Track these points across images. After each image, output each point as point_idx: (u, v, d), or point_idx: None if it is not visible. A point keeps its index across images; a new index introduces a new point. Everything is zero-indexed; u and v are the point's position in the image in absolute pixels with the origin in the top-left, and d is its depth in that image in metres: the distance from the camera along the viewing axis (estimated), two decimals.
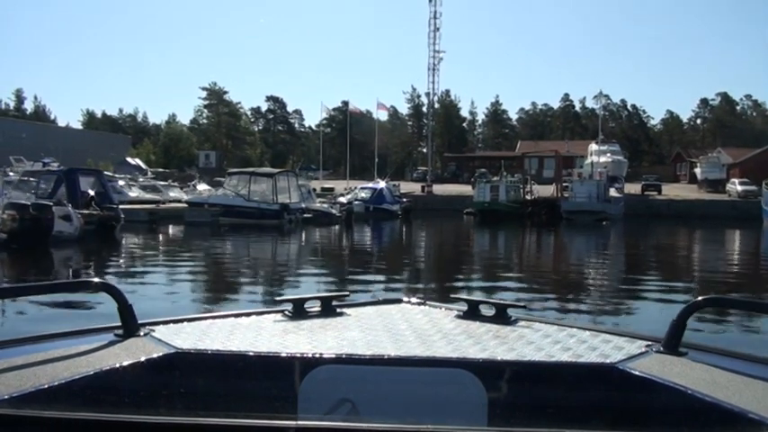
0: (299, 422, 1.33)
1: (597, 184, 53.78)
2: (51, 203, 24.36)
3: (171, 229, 36.48)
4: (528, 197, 56.34)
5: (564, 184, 56.12)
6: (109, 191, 32.10)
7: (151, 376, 1.95)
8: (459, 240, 38.79)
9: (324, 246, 32.82)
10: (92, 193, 29.53)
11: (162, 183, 55.28)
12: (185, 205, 41.74)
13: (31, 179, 31.93)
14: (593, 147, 70.21)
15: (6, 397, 1.62)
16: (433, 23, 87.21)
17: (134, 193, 48.03)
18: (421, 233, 44.08)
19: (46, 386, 1.71)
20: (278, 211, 38.59)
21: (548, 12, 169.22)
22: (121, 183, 49.27)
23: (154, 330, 2.21)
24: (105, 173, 53.46)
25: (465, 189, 63.05)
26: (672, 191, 68.10)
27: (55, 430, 1.27)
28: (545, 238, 41.83)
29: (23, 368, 1.80)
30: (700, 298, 2.14)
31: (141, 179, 56.34)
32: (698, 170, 75.13)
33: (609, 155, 66.79)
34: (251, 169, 46.62)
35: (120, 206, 38.98)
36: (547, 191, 56.97)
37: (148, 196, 47.77)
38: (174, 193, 50.13)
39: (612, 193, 55.22)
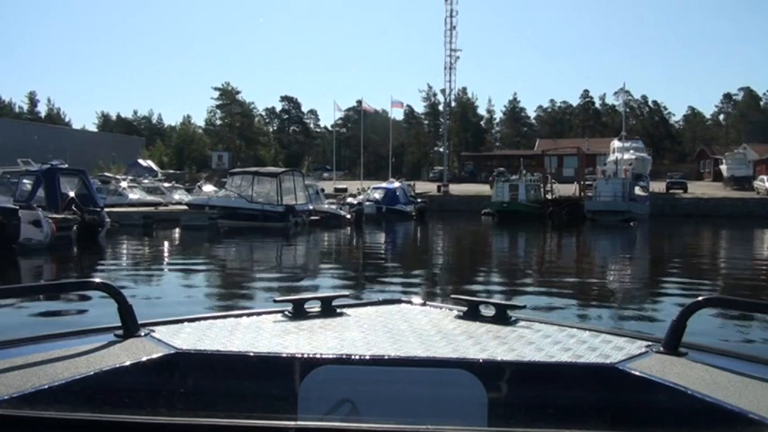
0: (299, 422, 1.38)
1: (623, 183, 51.15)
2: (17, 207, 22.16)
3: (166, 234, 34.29)
4: (549, 197, 54.06)
5: (587, 183, 53.68)
6: (93, 192, 29.77)
7: (151, 376, 1.94)
8: (475, 243, 36.62)
9: (328, 250, 30.64)
10: (72, 194, 27.17)
11: (166, 184, 53.48)
12: (185, 207, 39.62)
13: (14, 180, 29.73)
14: (616, 143, 68.04)
15: (6, 397, 1.62)
16: (450, 22, 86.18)
17: (135, 194, 46.31)
18: (435, 235, 42.01)
19: (46, 386, 1.72)
20: (283, 214, 36.53)
21: (566, 8, 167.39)
22: (123, 184, 47.61)
23: (154, 331, 2.20)
24: (106, 174, 52.41)
25: (483, 189, 61.53)
26: (697, 189, 66.17)
27: (55, 430, 1.28)
28: (570, 241, 39.39)
29: (23, 368, 1.80)
30: (700, 298, 2.08)
31: (146, 180, 54.70)
32: (723, 167, 73.11)
33: (632, 152, 64.56)
34: (254, 169, 44.69)
35: (116, 209, 37.31)
36: (567, 190, 54.68)
37: (150, 198, 45.92)
38: (178, 195, 48.30)
39: (637, 191, 52.77)
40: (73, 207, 25.99)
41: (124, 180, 49.57)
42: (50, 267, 20.90)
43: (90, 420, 1.27)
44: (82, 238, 25.37)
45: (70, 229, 24.56)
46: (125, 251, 26.74)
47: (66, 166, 35.31)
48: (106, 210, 36.93)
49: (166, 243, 31.67)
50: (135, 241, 30.16)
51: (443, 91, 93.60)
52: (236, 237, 32.44)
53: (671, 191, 64.55)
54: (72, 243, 24.56)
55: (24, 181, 28.40)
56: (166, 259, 24.20)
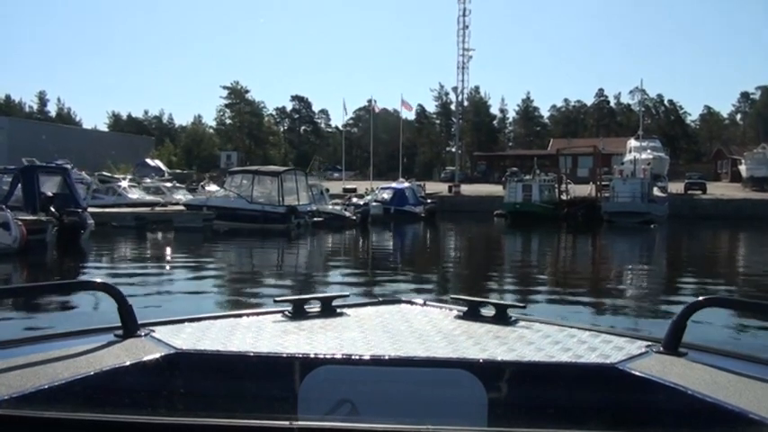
0: (299, 422, 1.40)
1: (641, 183, 49.12)
2: None
3: (157, 236, 32.68)
4: (564, 197, 52.23)
5: (603, 183, 51.81)
6: (75, 192, 27.85)
7: (151, 377, 1.95)
8: (485, 246, 35.06)
9: (328, 253, 29.04)
10: (50, 194, 25.40)
11: (167, 184, 52.01)
12: (182, 208, 37.99)
13: None
14: (633, 143, 66.24)
15: (7, 397, 1.63)
16: (462, 21, 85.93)
17: (134, 194, 44.81)
18: (444, 238, 40.52)
19: (46, 386, 1.73)
20: (284, 215, 34.87)
21: (580, 6, 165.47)
22: (123, 184, 46.31)
23: (154, 331, 2.21)
24: (104, 173, 51.09)
25: (495, 189, 60.06)
26: (715, 190, 64.42)
27: (55, 430, 1.30)
28: (588, 244, 37.58)
29: (24, 368, 1.81)
30: (700, 298, 2.09)
31: (148, 180, 53.35)
32: (742, 167, 71.37)
33: (649, 151, 62.78)
34: (254, 167, 43.18)
35: (110, 209, 35.80)
36: (582, 191, 52.91)
37: (149, 198, 44.39)
38: (179, 195, 46.73)
39: (656, 192, 50.89)
40: (51, 208, 24.25)
41: (124, 179, 48.21)
42: (17, 275, 19.08)
43: (90, 420, 1.28)
44: (62, 242, 23.71)
45: (45, 232, 22.85)
46: (106, 256, 24.87)
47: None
48: (103, 210, 35.65)
49: (155, 247, 30.08)
50: (121, 245, 28.42)
51: (455, 89, 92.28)
52: (234, 239, 30.95)
53: (689, 192, 62.57)
54: (47, 247, 22.86)
55: (6, 179, 26.69)
56: (149, 265, 22.28)
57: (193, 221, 34.18)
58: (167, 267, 21.27)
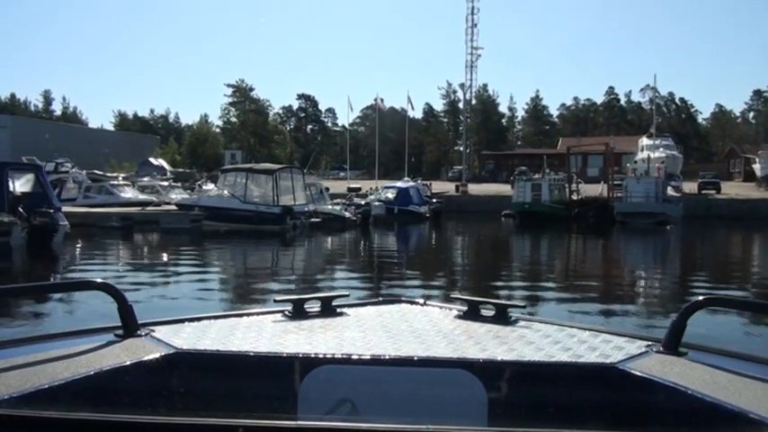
0: (299, 422, 1.44)
1: (656, 182, 47.35)
2: None
3: (141, 238, 30.95)
4: (574, 197, 50.50)
5: (615, 183, 50.06)
6: (48, 191, 25.97)
7: (151, 376, 1.96)
8: (492, 248, 33.51)
9: (323, 257, 27.25)
10: (18, 193, 23.78)
11: (163, 183, 50.54)
12: (173, 208, 36.33)
13: None
14: (645, 141, 64.54)
15: (6, 397, 1.64)
16: (471, 20, 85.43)
17: (128, 193, 43.35)
18: (449, 239, 38.96)
19: (46, 386, 1.73)
20: (279, 215, 33.13)
21: (589, 4, 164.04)
22: (116, 182, 44.96)
23: (154, 330, 2.21)
24: (95, 171, 49.65)
25: (503, 189, 58.75)
26: (729, 189, 62.69)
27: (55, 430, 1.31)
28: (600, 246, 35.70)
29: (23, 368, 1.81)
30: (700, 298, 2.09)
31: (146, 179, 51.89)
32: (756, 166, 69.70)
33: (662, 149, 61.04)
34: (248, 165, 41.63)
35: (96, 209, 34.38)
36: (592, 191, 51.35)
37: (143, 197, 42.88)
38: (176, 194, 45.11)
39: (669, 192, 49.16)
40: (19, 208, 22.61)
41: (117, 178, 46.87)
42: None
43: (90, 420, 1.29)
44: (32, 244, 22.15)
45: (9, 234, 21.34)
46: (76, 260, 23.10)
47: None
48: (88, 210, 34.14)
49: (134, 249, 28.35)
50: (98, 247, 26.65)
51: (462, 85, 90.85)
52: (223, 241, 29.41)
53: (703, 191, 60.69)
54: (11, 251, 21.28)
55: None
56: (124, 273, 20.15)
57: (181, 222, 32.56)
58: (143, 274, 19.66)
